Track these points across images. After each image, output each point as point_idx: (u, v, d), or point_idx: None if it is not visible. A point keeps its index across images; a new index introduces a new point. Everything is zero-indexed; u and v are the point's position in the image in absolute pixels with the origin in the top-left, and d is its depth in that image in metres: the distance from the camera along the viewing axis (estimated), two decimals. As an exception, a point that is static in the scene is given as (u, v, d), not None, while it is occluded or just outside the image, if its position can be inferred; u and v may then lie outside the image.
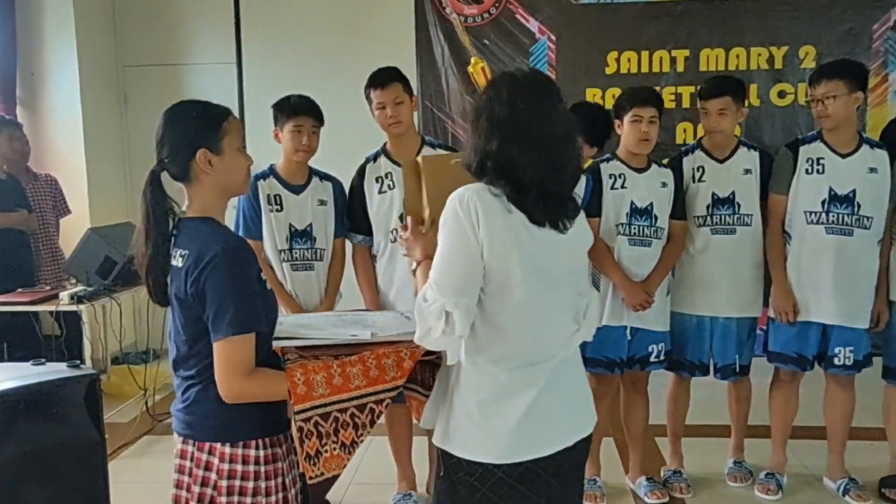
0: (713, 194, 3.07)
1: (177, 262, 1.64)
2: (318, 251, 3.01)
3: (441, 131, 5.13)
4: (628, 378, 3.18)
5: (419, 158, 1.92)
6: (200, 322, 1.59)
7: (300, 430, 1.59)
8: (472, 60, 2.69)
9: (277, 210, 2.95)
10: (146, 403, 4.29)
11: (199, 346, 1.62)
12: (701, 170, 3.09)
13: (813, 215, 3.01)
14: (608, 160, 3.05)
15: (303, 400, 1.58)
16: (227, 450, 1.63)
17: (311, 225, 2.99)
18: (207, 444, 1.64)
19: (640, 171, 3.01)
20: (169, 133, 1.67)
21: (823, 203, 2.98)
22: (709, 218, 3.07)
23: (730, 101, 3.03)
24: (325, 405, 1.60)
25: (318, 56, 5.25)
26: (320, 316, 2.17)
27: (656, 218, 2.99)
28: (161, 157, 1.68)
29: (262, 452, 1.65)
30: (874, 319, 3.05)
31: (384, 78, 2.91)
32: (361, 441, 1.65)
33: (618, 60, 5.10)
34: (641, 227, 2.98)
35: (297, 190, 2.99)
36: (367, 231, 3.00)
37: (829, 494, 3.20)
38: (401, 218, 2.85)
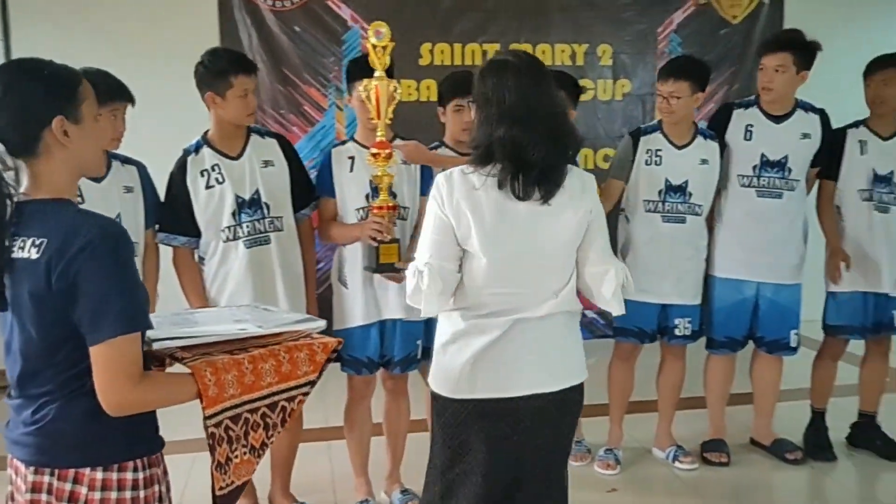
0: None
1: (27, 253, 1.34)
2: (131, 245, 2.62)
3: (250, 121, 4.80)
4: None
5: None
6: (66, 324, 1.33)
7: (212, 436, 1.43)
8: (378, 75, 2.48)
9: (79, 202, 2.52)
10: None
11: (61, 353, 1.35)
12: None
13: (651, 204, 3.17)
14: (437, 147, 2.98)
15: (214, 403, 1.41)
16: (99, 475, 1.37)
17: (119, 216, 2.58)
18: (72, 471, 1.37)
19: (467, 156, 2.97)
20: (11, 97, 1.37)
21: (660, 193, 3.16)
22: None
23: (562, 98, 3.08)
24: (236, 406, 1.45)
25: (105, 39, 4.64)
26: (185, 313, 1.88)
27: None
28: None
29: (140, 475, 1.39)
30: None
31: (251, 63, 2.68)
32: (271, 443, 1.54)
33: (431, 52, 5.08)
34: None
35: (97, 178, 2.58)
36: (192, 232, 2.69)
37: (660, 463, 3.39)
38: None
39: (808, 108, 3.23)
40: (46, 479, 1.37)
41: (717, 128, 3.26)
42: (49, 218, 1.37)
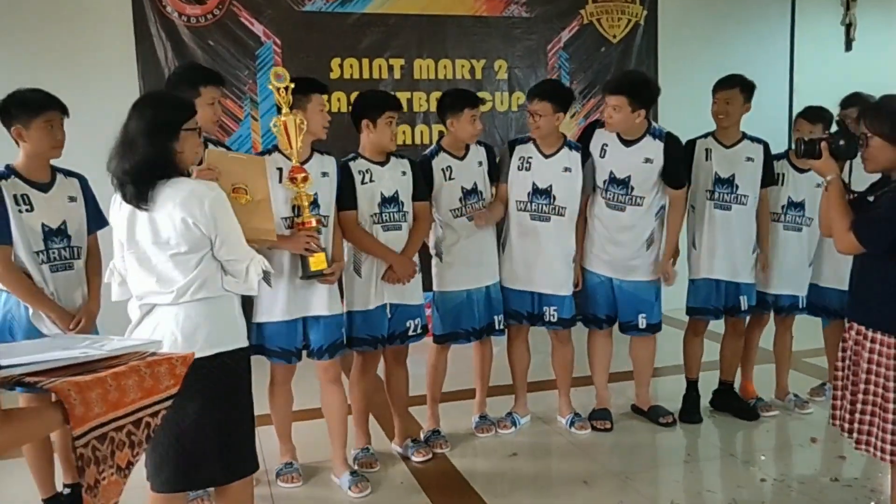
0: (462, 188, 3.54)
1: None
2: (75, 249, 2.91)
3: (168, 132, 5.01)
4: (391, 352, 3.50)
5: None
6: None
7: (81, 457, 1.38)
8: (285, 112, 2.81)
9: (28, 210, 2.78)
10: None
11: None
12: (449, 169, 3.54)
13: (521, 204, 3.65)
14: (353, 159, 3.33)
15: (82, 422, 1.36)
16: None
17: (64, 222, 2.87)
18: None
19: (382, 164, 3.34)
20: None
21: (529, 195, 3.63)
22: (462, 209, 3.55)
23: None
24: (103, 425, 1.41)
25: (17, 53, 4.78)
26: (27, 343, 2.06)
27: (402, 203, 3.36)
28: None
29: None
30: (575, 283, 3.77)
31: (217, 75, 3.06)
32: (137, 461, 1.52)
33: (341, 66, 5.44)
34: (391, 214, 3.34)
35: (44, 188, 2.85)
36: None
37: (555, 431, 3.88)
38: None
39: (657, 134, 3.65)
40: None
41: (584, 141, 3.75)
42: None
